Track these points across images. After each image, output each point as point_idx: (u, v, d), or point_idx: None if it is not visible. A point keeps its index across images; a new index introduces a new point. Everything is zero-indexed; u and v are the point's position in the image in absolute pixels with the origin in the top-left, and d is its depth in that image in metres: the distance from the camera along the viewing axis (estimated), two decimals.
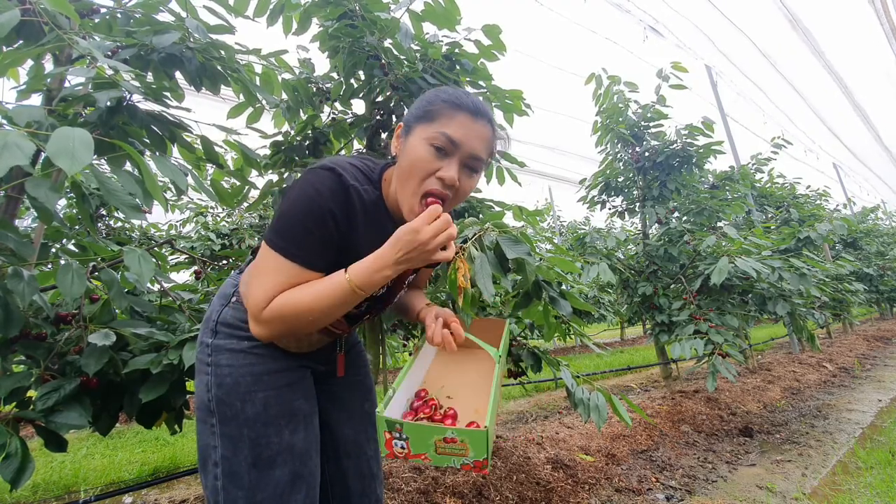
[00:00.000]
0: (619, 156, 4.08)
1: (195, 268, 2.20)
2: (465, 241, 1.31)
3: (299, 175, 0.80)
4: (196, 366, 0.86)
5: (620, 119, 3.86)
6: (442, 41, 2.08)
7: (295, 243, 0.75)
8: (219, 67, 1.53)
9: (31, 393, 1.13)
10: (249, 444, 0.79)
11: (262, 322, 0.76)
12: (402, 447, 0.71)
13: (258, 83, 1.81)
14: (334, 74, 2.18)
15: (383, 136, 2.31)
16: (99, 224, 3.23)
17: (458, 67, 2.06)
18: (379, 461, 1.06)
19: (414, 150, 0.76)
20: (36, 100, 1.38)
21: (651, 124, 3.91)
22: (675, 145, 3.74)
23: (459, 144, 0.75)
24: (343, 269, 0.75)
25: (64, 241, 1.57)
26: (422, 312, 0.97)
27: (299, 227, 0.74)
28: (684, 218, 3.96)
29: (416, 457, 0.71)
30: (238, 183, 1.80)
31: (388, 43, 1.97)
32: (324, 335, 0.91)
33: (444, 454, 0.70)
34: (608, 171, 4.09)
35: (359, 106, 2.36)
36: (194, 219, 4.28)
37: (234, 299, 0.87)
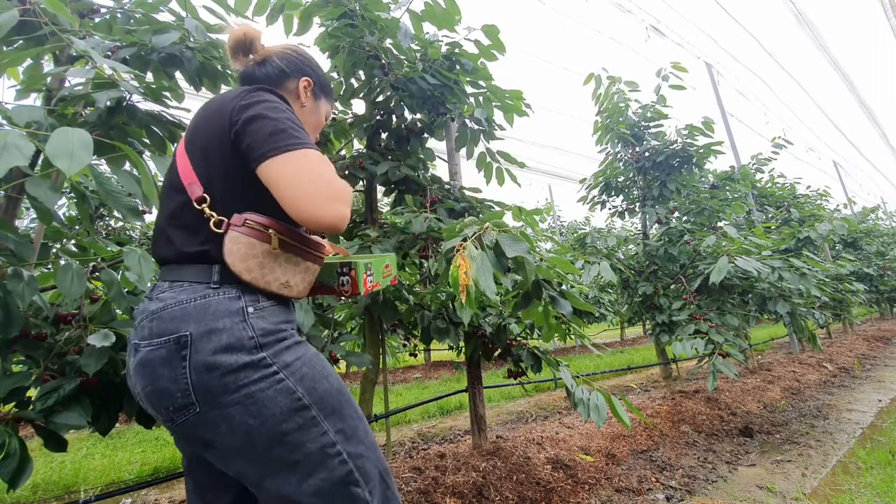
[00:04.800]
0: (619, 156, 4.08)
1: None
2: (464, 240, 1.31)
3: (242, 100, 0.83)
4: (240, 396, 0.74)
5: (621, 119, 3.87)
6: (442, 41, 2.08)
7: (307, 138, 0.83)
8: (218, 67, 1.53)
9: (31, 393, 1.13)
10: (349, 404, 0.86)
11: (347, 202, 0.81)
12: (371, 281, 0.99)
13: None
14: (334, 74, 2.18)
15: (383, 135, 2.31)
16: (99, 224, 3.23)
17: (458, 67, 2.06)
18: None
19: (319, 117, 1.05)
20: (36, 100, 1.38)
21: (651, 124, 3.91)
22: (675, 145, 3.74)
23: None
24: None
25: (64, 241, 1.57)
26: None
27: (298, 126, 0.84)
28: (684, 218, 3.96)
29: (375, 286, 1.01)
30: None
31: (388, 43, 1.97)
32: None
33: (385, 277, 1.06)
34: (608, 171, 4.09)
35: (359, 106, 2.36)
36: None
37: (251, 309, 0.79)
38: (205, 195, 0.80)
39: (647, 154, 3.90)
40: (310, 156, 0.79)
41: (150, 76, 1.45)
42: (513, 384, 3.89)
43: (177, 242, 0.82)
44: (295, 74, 0.99)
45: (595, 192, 4.22)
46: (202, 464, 0.89)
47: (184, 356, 0.73)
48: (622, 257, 4.16)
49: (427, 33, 2.10)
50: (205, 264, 0.80)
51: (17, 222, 1.28)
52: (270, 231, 0.81)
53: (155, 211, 1.07)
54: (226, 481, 0.90)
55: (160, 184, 0.94)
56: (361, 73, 2.10)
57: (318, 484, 0.79)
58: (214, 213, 0.80)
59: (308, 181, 0.77)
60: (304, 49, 1.06)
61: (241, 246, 0.78)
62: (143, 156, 1.28)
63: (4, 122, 1.07)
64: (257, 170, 0.78)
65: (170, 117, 1.36)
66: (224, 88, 1.63)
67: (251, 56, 0.99)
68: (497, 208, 2.19)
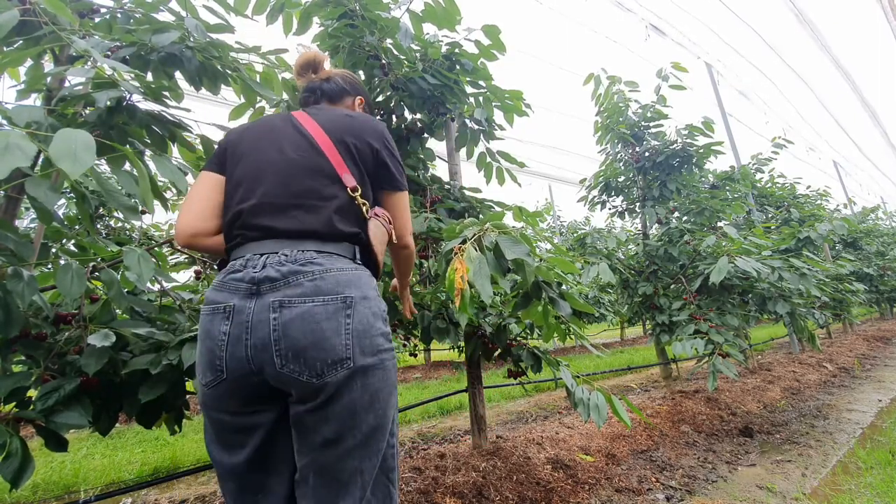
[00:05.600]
0: (619, 156, 4.08)
1: (195, 268, 2.19)
2: (464, 242, 1.31)
3: (386, 133, 1.04)
4: (377, 360, 0.86)
5: (620, 119, 3.87)
6: (442, 41, 2.08)
7: None
8: (218, 66, 1.53)
9: (31, 393, 1.13)
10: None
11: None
12: None
13: (258, 82, 1.81)
14: None
15: None
16: (99, 224, 3.23)
17: (458, 67, 2.06)
18: None
19: None
20: (36, 100, 1.38)
21: (651, 124, 3.91)
22: (675, 145, 3.74)
23: None
24: None
25: (64, 241, 1.57)
26: None
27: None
28: (684, 218, 3.96)
29: None
30: None
31: (388, 43, 1.97)
32: None
33: None
34: (608, 171, 4.09)
35: None
36: None
37: (377, 289, 0.95)
38: (357, 186, 0.96)
39: (647, 154, 3.90)
40: (407, 197, 1.08)
41: (150, 76, 1.45)
42: (513, 384, 3.89)
43: (333, 221, 0.92)
44: (353, 93, 1.22)
45: (595, 192, 4.22)
46: (268, 453, 0.86)
47: (348, 314, 0.84)
48: (622, 257, 4.16)
49: (427, 33, 2.10)
50: (350, 244, 0.94)
51: (17, 222, 1.28)
52: (391, 228, 1.02)
53: (157, 209, 1.07)
54: (287, 469, 0.87)
55: (161, 182, 0.95)
56: (361, 73, 2.10)
57: (376, 472, 0.86)
58: (366, 203, 0.97)
59: (409, 215, 1.08)
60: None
61: (381, 233, 0.97)
62: (144, 155, 1.28)
63: (4, 122, 1.07)
64: (387, 192, 1.04)
65: (170, 117, 1.36)
66: (224, 88, 1.63)
67: (315, 74, 1.21)
68: (497, 208, 2.19)
